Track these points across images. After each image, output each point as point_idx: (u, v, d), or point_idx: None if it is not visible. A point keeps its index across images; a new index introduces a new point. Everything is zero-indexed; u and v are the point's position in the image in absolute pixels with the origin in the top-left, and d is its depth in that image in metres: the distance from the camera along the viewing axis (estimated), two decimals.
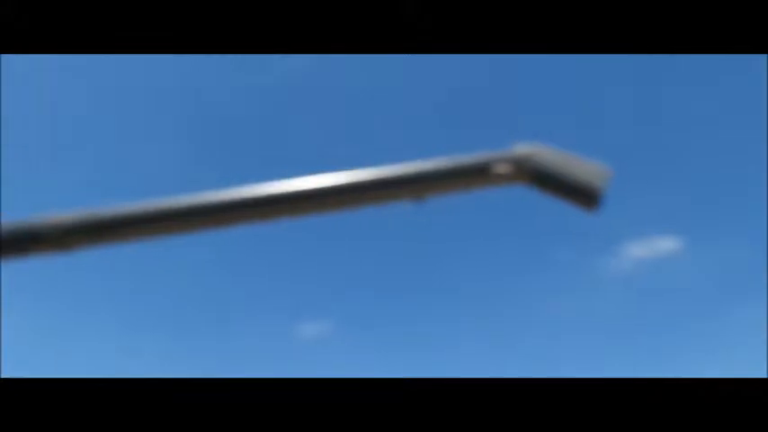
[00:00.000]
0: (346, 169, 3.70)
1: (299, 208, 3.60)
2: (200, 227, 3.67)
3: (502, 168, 3.45)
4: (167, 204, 3.67)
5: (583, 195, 3.39)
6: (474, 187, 3.58)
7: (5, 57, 9.27)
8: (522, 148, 3.51)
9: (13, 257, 3.80)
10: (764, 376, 3.19)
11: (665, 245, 21.30)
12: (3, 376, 3.80)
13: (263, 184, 3.64)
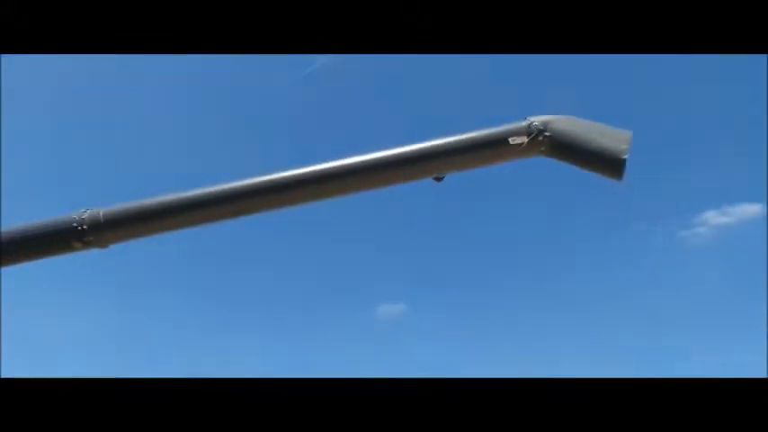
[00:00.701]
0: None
1: (316, 191, 3.62)
2: (230, 214, 3.71)
3: (519, 140, 3.40)
4: (207, 191, 3.68)
5: (605, 162, 3.28)
6: (493, 161, 3.54)
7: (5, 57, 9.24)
8: (539, 119, 3.44)
9: (55, 254, 3.94)
10: (764, 376, 3.19)
11: (747, 211, 21.04)
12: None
13: (272, 172, 3.63)
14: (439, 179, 3.59)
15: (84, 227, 3.78)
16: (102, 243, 3.86)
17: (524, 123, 3.43)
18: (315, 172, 3.59)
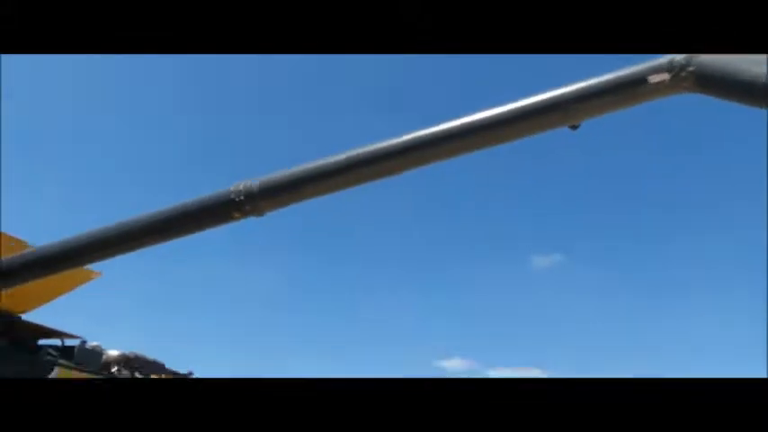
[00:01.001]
0: None
1: (458, 146, 3.64)
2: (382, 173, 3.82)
3: (660, 77, 3.24)
4: (357, 152, 3.78)
5: (761, 91, 3.01)
6: (631, 103, 3.42)
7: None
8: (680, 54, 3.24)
9: (218, 224, 4.33)
10: (764, 376, 3.19)
11: None
12: None
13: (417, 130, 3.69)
14: (574, 127, 3.50)
15: (242, 197, 4.09)
16: (258, 211, 4.16)
17: (664, 60, 3.27)
18: (454, 128, 3.61)
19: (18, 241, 6.29)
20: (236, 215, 4.21)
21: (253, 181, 4.12)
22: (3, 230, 6.44)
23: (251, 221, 4.37)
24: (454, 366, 32.79)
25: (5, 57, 7.00)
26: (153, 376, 8.58)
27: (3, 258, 5.42)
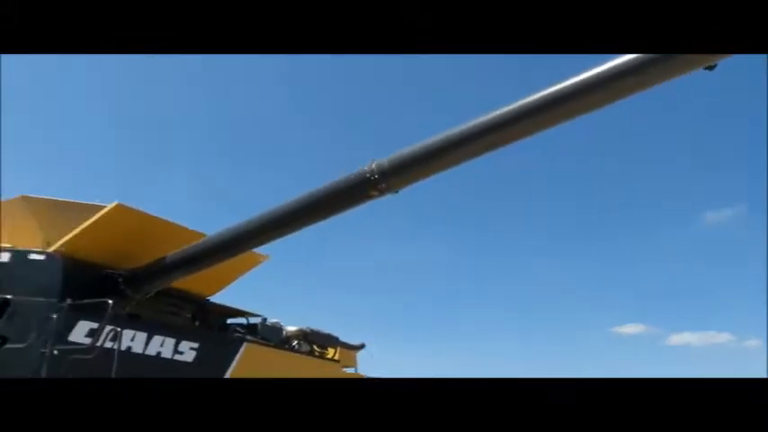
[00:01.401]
0: None
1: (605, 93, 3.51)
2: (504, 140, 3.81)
3: None
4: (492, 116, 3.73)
5: None
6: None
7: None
8: None
9: (358, 204, 4.59)
10: (765, 376, 2.84)
11: None
12: None
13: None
14: (711, 68, 3.43)
15: (376, 176, 4.25)
16: (392, 188, 4.32)
17: None
18: (595, 75, 3.51)
19: (195, 233, 7.06)
20: (373, 193, 4.32)
21: (384, 158, 4.19)
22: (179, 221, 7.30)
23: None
24: (631, 332, 30.51)
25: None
26: (330, 349, 9.33)
27: (187, 247, 6.27)
